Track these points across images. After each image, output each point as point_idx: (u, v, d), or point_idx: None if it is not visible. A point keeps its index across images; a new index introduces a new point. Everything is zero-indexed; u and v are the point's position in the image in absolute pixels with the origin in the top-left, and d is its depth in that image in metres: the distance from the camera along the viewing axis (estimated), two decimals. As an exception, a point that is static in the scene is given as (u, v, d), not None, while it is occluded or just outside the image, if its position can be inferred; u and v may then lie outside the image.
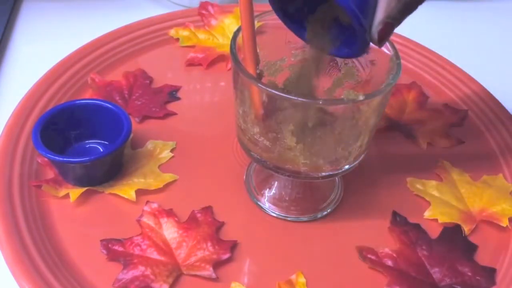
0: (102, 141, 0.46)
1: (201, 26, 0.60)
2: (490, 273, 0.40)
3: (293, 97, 0.34)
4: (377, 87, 0.35)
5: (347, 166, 0.39)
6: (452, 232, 0.43)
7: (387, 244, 0.42)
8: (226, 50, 0.56)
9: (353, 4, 0.31)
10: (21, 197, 0.42)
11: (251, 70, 0.36)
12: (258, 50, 0.37)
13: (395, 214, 0.44)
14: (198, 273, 0.39)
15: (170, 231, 0.41)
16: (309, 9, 0.37)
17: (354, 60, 0.40)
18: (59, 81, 0.51)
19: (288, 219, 0.43)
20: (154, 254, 0.39)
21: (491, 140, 0.51)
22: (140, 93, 0.52)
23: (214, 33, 0.60)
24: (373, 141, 0.40)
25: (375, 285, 0.40)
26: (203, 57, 0.57)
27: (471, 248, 0.42)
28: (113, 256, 0.39)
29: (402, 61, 0.37)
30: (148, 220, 0.41)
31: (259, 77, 0.37)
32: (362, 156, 0.39)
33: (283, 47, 0.41)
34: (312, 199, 0.45)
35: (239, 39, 0.37)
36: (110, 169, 0.44)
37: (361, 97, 0.33)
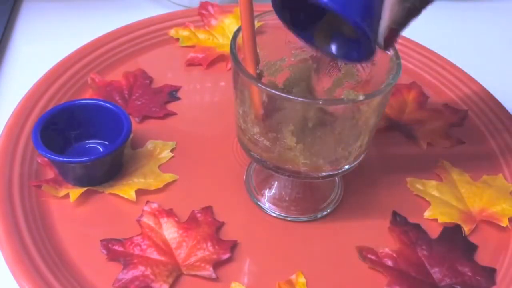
0: (102, 141, 0.46)
1: (201, 26, 0.60)
2: (490, 273, 0.40)
3: (293, 97, 0.34)
4: (377, 87, 0.35)
5: (347, 166, 0.39)
6: (452, 232, 0.43)
7: (387, 244, 0.42)
8: (226, 50, 0.56)
9: (356, 16, 0.31)
10: (21, 197, 0.42)
11: (251, 70, 0.36)
12: (258, 50, 0.37)
13: (395, 214, 0.44)
14: (198, 273, 0.39)
15: (170, 231, 0.41)
16: (315, 18, 0.37)
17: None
18: (59, 81, 0.51)
19: (288, 219, 0.43)
20: (154, 254, 0.39)
21: (491, 140, 0.51)
22: (140, 93, 0.52)
23: (214, 33, 0.60)
24: (373, 141, 0.40)
25: (375, 285, 0.40)
26: (203, 57, 0.57)
27: (471, 248, 0.42)
28: (113, 256, 0.39)
29: (402, 61, 0.37)
30: (148, 220, 0.41)
31: (259, 77, 0.37)
32: (362, 156, 0.39)
33: (283, 47, 0.41)
34: (312, 199, 0.45)
35: (239, 39, 0.37)
36: (110, 169, 0.44)
37: (361, 97, 0.33)
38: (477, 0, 0.75)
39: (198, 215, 0.42)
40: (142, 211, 0.42)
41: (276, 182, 0.45)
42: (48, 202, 0.42)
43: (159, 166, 0.46)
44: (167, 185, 0.44)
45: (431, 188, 0.46)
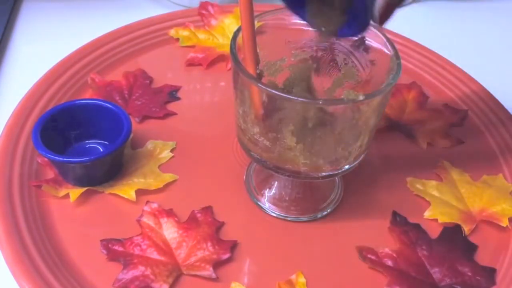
0: (102, 141, 0.46)
1: (201, 26, 0.60)
2: (490, 273, 0.40)
3: (293, 97, 0.34)
4: (377, 87, 0.35)
5: (347, 166, 0.39)
6: (452, 232, 0.43)
7: (387, 244, 0.42)
8: (226, 50, 0.56)
9: None
10: (21, 197, 0.42)
11: (251, 70, 0.36)
12: (258, 50, 0.37)
13: (395, 214, 0.44)
14: (198, 273, 0.39)
15: (170, 231, 0.41)
16: None
17: (354, 60, 0.40)
18: (59, 81, 0.51)
19: (288, 219, 0.43)
20: (154, 254, 0.39)
21: (491, 140, 0.51)
22: (140, 93, 0.52)
23: (214, 33, 0.60)
24: (373, 141, 0.40)
25: (375, 285, 0.40)
26: (203, 57, 0.57)
27: (471, 248, 0.42)
28: (113, 256, 0.39)
29: (402, 61, 0.37)
30: (148, 220, 0.41)
31: (259, 77, 0.37)
32: (362, 156, 0.39)
33: (283, 47, 0.41)
34: (312, 199, 0.45)
35: (239, 39, 0.37)
36: (110, 169, 0.44)
37: (361, 97, 0.33)
38: (477, 0, 0.75)
39: (198, 215, 0.42)
40: (142, 211, 0.42)
41: (276, 182, 0.45)
42: (48, 202, 0.42)
43: (159, 166, 0.46)
44: (167, 185, 0.44)
45: (431, 188, 0.46)
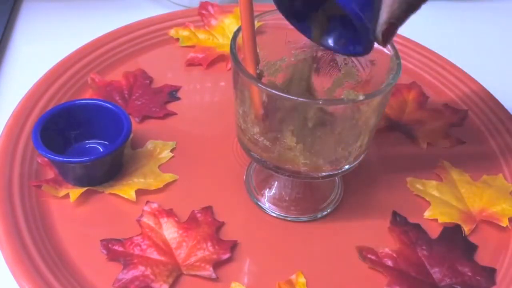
0: (102, 141, 0.46)
1: (201, 26, 0.60)
2: (490, 273, 0.40)
3: (293, 97, 0.34)
4: (377, 87, 0.35)
5: (347, 166, 0.39)
6: (452, 232, 0.43)
7: (387, 244, 0.42)
8: (226, 50, 0.56)
9: (355, 5, 0.31)
10: (21, 197, 0.42)
11: (251, 70, 0.36)
12: (258, 50, 0.37)
13: (395, 214, 0.44)
14: (198, 273, 0.39)
15: (170, 231, 0.41)
16: (312, 7, 0.37)
17: (354, 60, 0.40)
18: (59, 81, 0.51)
19: (288, 219, 0.43)
20: (154, 254, 0.39)
21: (491, 140, 0.51)
22: (140, 93, 0.52)
23: (214, 33, 0.60)
24: (373, 141, 0.40)
25: (375, 285, 0.40)
26: (203, 57, 0.57)
27: (471, 248, 0.42)
28: (113, 256, 0.39)
29: (402, 61, 0.37)
30: (148, 220, 0.41)
31: (259, 77, 0.37)
32: (362, 156, 0.39)
33: (283, 47, 0.41)
34: (312, 199, 0.45)
35: (239, 39, 0.37)
36: (110, 169, 0.44)
37: (361, 97, 0.33)
38: (477, 0, 0.75)
39: (198, 215, 0.42)
40: (142, 211, 0.42)
41: (276, 182, 0.45)
42: (48, 202, 0.42)
43: (159, 166, 0.46)
44: (167, 185, 0.44)
45: (431, 188, 0.46)
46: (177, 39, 0.59)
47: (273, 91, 0.34)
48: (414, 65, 0.58)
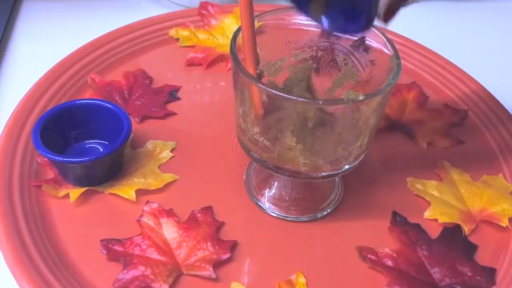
0: (102, 141, 0.46)
1: (201, 26, 0.60)
2: (490, 273, 0.40)
3: (293, 97, 0.34)
4: (377, 87, 0.35)
5: (347, 166, 0.39)
6: (452, 232, 0.43)
7: (387, 244, 0.42)
8: (226, 50, 0.56)
9: None
10: (21, 197, 0.42)
11: (251, 70, 0.36)
12: (258, 50, 0.37)
13: (395, 214, 0.44)
14: (198, 273, 0.39)
15: (170, 231, 0.41)
16: None
17: (354, 60, 0.40)
18: (59, 81, 0.51)
19: (288, 219, 0.43)
20: (154, 254, 0.39)
21: (491, 140, 0.51)
22: (140, 93, 0.52)
23: (214, 33, 0.60)
24: (373, 141, 0.40)
25: (375, 285, 0.40)
26: (203, 57, 0.57)
27: (471, 248, 0.42)
28: (113, 256, 0.39)
29: (402, 61, 0.37)
30: (148, 220, 0.41)
31: (259, 77, 0.37)
32: (362, 156, 0.39)
33: (283, 47, 0.41)
34: (312, 199, 0.45)
35: (239, 39, 0.37)
36: (110, 169, 0.44)
37: (361, 97, 0.33)
38: (477, 0, 0.75)
39: (198, 215, 0.42)
40: (142, 211, 0.42)
41: (276, 182, 0.45)
42: (48, 202, 0.42)
43: (159, 166, 0.46)
44: (167, 185, 0.44)
45: (431, 188, 0.46)
46: (177, 39, 0.59)
47: (273, 91, 0.34)
48: (414, 65, 0.58)
